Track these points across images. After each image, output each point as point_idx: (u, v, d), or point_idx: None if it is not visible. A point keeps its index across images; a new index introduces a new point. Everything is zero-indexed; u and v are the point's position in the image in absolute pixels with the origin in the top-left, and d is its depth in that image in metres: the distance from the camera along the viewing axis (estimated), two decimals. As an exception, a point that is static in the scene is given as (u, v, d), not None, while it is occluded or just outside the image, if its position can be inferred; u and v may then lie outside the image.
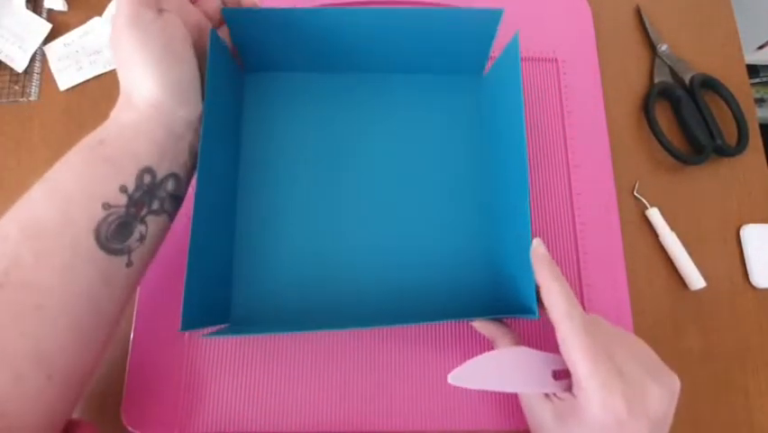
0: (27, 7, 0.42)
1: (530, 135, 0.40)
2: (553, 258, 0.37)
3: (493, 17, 0.34)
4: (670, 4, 0.46)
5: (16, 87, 0.41)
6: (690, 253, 0.38)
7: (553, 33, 0.42)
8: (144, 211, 0.28)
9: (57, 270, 0.24)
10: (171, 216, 0.30)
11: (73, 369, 0.25)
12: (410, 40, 0.36)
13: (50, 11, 0.43)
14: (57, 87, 0.41)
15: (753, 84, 0.89)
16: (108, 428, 0.33)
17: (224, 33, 0.34)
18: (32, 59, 0.41)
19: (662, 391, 0.26)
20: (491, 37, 0.35)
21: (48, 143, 0.39)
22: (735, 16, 0.46)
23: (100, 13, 0.43)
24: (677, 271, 0.39)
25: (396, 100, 0.39)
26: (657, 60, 0.44)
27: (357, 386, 0.34)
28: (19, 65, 0.41)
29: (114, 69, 0.41)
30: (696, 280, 0.38)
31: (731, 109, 0.42)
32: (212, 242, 0.32)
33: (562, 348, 0.27)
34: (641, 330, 0.36)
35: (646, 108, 0.42)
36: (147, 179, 0.27)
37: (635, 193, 0.40)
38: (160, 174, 0.28)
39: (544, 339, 0.35)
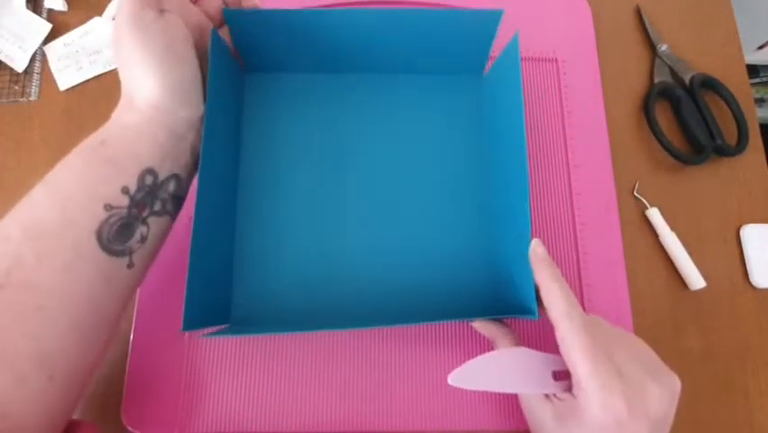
0: (27, 7, 0.42)
1: (530, 135, 0.40)
2: (553, 258, 0.37)
3: (493, 18, 0.34)
4: (670, 4, 0.46)
5: (16, 87, 0.41)
6: (690, 253, 0.38)
7: (553, 33, 0.42)
8: (146, 212, 0.28)
9: (58, 270, 0.24)
10: (173, 216, 0.30)
11: (74, 369, 0.25)
12: (410, 40, 0.36)
13: (50, 11, 0.43)
14: (57, 87, 0.41)
15: (753, 84, 0.89)
16: (109, 429, 0.33)
17: (224, 33, 0.34)
18: (32, 59, 0.41)
19: (662, 391, 0.26)
20: (491, 37, 0.35)
21: (48, 143, 0.39)
22: (735, 16, 0.46)
23: (100, 13, 0.43)
24: (677, 271, 0.39)
25: (396, 100, 0.39)
26: (657, 60, 0.44)
27: (357, 386, 0.34)
28: (19, 65, 0.41)
29: (114, 69, 0.41)
30: (696, 280, 0.38)
31: (731, 109, 0.42)
32: (213, 242, 0.32)
33: (562, 349, 0.27)
34: (641, 330, 0.36)
35: (646, 108, 0.42)
36: (149, 180, 0.27)
37: (635, 193, 0.40)
38: (162, 175, 0.28)
39: (543, 340, 0.35)
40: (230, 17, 0.32)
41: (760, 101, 0.96)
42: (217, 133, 0.32)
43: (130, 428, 0.32)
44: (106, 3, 0.43)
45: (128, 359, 0.34)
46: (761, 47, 0.78)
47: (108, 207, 0.26)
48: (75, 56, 0.41)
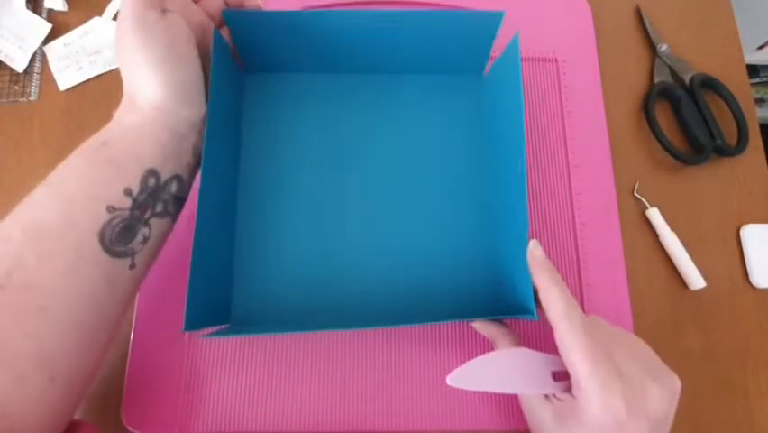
0: (27, 7, 0.42)
1: (530, 135, 0.40)
2: (553, 258, 0.37)
3: (494, 20, 0.34)
4: (670, 4, 0.46)
5: (16, 87, 0.41)
6: (690, 253, 0.38)
7: (553, 33, 0.42)
8: (148, 213, 0.28)
9: (60, 272, 0.24)
10: (174, 217, 0.30)
11: (76, 370, 0.25)
12: (411, 41, 0.36)
13: (50, 11, 0.43)
14: (57, 87, 0.41)
15: (753, 84, 0.89)
16: (109, 429, 0.33)
17: (224, 33, 0.34)
18: (32, 59, 0.41)
19: (662, 391, 0.26)
20: (492, 39, 0.35)
21: (48, 143, 0.39)
22: (735, 16, 0.46)
23: (100, 13, 0.43)
24: (677, 271, 0.39)
25: (396, 100, 0.39)
26: (657, 60, 0.44)
27: (357, 386, 0.34)
28: (19, 65, 0.41)
29: (114, 69, 0.41)
30: (696, 280, 0.38)
31: (731, 109, 0.42)
32: (214, 242, 0.32)
33: (561, 349, 0.27)
34: (641, 330, 0.36)
35: (646, 108, 0.42)
36: (151, 181, 0.27)
37: (635, 193, 0.40)
38: (164, 176, 0.28)
39: (543, 340, 0.35)
40: (229, 18, 0.32)
41: (760, 101, 0.96)
42: (219, 134, 0.32)
43: (130, 428, 0.32)
44: (106, 3, 0.43)
45: (128, 359, 0.34)
46: (761, 47, 0.78)
47: (111, 208, 0.26)
48: (75, 56, 0.41)
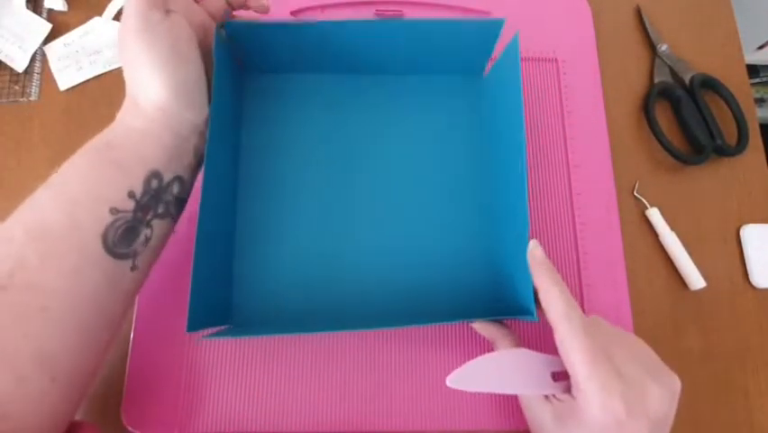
0: (27, 7, 0.42)
1: (530, 135, 0.40)
2: (553, 258, 0.37)
3: (494, 27, 0.34)
4: (670, 4, 0.46)
5: (16, 87, 0.41)
6: (690, 253, 0.38)
7: (553, 33, 0.42)
8: (150, 215, 0.28)
9: (63, 273, 0.24)
10: (175, 218, 0.30)
11: (77, 371, 0.25)
12: (410, 48, 0.36)
13: (50, 11, 0.43)
14: (57, 87, 0.41)
15: (753, 84, 0.89)
16: (109, 429, 0.33)
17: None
18: (32, 59, 0.41)
19: (662, 392, 0.26)
20: (492, 45, 0.36)
21: (48, 143, 0.39)
22: (735, 16, 0.46)
23: (100, 13, 0.43)
24: (677, 271, 0.39)
25: (396, 101, 0.39)
26: (657, 60, 0.44)
27: (357, 386, 0.34)
28: (19, 65, 0.41)
29: (114, 69, 0.41)
30: (696, 280, 0.38)
31: (731, 109, 0.42)
32: (215, 243, 0.32)
33: (561, 350, 0.27)
34: (641, 330, 0.36)
35: (646, 108, 0.42)
36: (154, 183, 0.27)
37: (635, 193, 0.40)
38: (167, 178, 0.28)
39: (543, 341, 0.35)
40: (230, 30, 0.32)
41: (760, 101, 0.96)
42: (221, 135, 0.32)
43: (130, 429, 0.32)
44: (106, 3, 0.43)
45: (128, 359, 0.34)
46: (761, 47, 0.78)
47: (114, 210, 0.26)
48: (75, 56, 0.41)
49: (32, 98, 0.40)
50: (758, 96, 0.96)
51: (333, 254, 0.36)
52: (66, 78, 0.41)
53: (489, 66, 0.38)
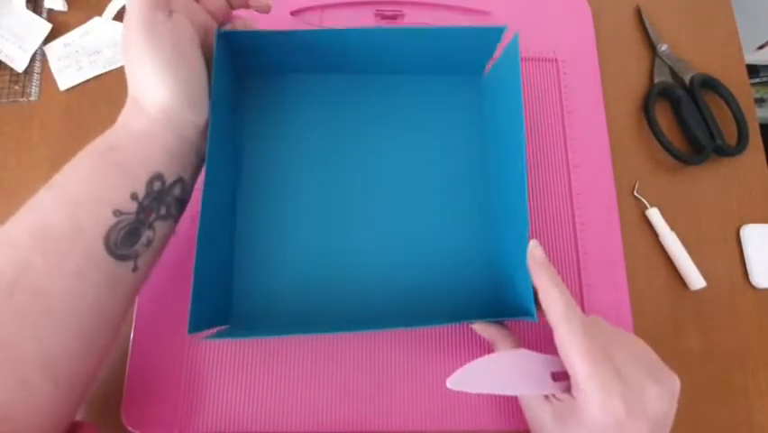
0: (27, 7, 0.42)
1: (530, 135, 0.40)
2: (553, 258, 0.37)
3: (495, 34, 0.34)
4: (670, 4, 0.46)
5: (16, 87, 0.41)
6: (690, 253, 0.38)
7: (553, 33, 0.42)
8: (152, 217, 0.28)
9: (67, 276, 0.24)
10: (176, 219, 0.30)
11: (78, 373, 0.25)
12: (411, 53, 0.36)
13: (50, 11, 0.43)
14: (57, 87, 0.41)
15: (753, 84, 0.89)
16: (109, 429, 0.33)
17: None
18: (32, 59, 0.41)
19: (661, 391, 0.26)
20: (493, 49, 0.35)
21: (48, 143, 0.39)
22: (735, 16, 0.46)
23: (100, 13, 0.42)
24: (677, 271, 0.39)
25: (396, 101, 0.39)
26: (657, 60, 0.44)
27: (357, 386, 0.34)
28: (19, 65, 0.41)
29: (114, 69, 0.41)
30: (696, 280, 0.38)
31: (731, 109, 0.42)
32: (216, 244, 0.32)
33: (561, 351, 0.27)
34: (641, 330, 0.36)
35: (646, 108, 0.42)
36: (157, 185, 0.27)
37: (635, 193, 0.40)
38: (169, 179, 0.28)
39: (544, 341, 0.35)
40: (228, 37, 0.32)
41: (760, 101, 0.96)
42: (221, 135, 0.32)
43: (130, 429, 0.32)
44: (106, 3, 0.43)
45: (128, 359, 0.34)
46: (761, 47, 0.78)
47: (117, 212, 0.26)
48: (75, 56, 0.41)
49: (32, 98, 0.40)
50: (758, 96, 0.96)
51: (333, 254, 0.36)
52: (66, 78, 0.41)
53: (489, 65, 0.38)
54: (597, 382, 0.25)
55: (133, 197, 0.26)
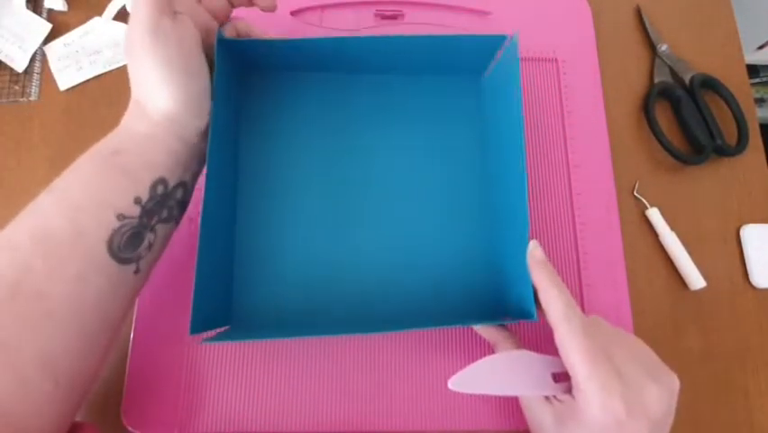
0: (27, 7, 0.42)
1: (530, 135, 0.40)
2: (553, 258, 0.37)
3: (495, 42, 0.34)
4: (670, 4, 0.46)
5: (16, 87, 0.41)
6: (690, 253, 0.38)
7: (553, 33, 0.42)
8: (155, 220, 0.28)
9: (68, 279, 0.24)
10: (177, 221, 0.30)
11: (78, 374, 0.25)
12: (411, 58, 0.36)
13: (50, 11, 0.43)
14: (57, 87, 0.41)
15: (753, 84, 0.89)
16: (109, 429, 0.33)
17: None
18: (32, 59, 0.41)
19: (661, 391, 0.26)
20: (492, 54, 0.35)
21: (48, 143, 0.39)
22: (735, 16, 0.46)
23: (100, 13, 0.42)
24: (677, 271, 0.39)
25: (396, 100, 0.39)
26: (657, 60, 0.44)
27: (357, 386, 0.34)
28: (19, 65, 0.41)
29: (114, 70, 0.41)
30: (696, 280, 0.38)
31: (731, 109, 0.42)
32: (217, 244, 0.32)
33: (561, 351, 0.27)
34: (641, 330, 0.36)
35: (646, 108, 0.42)
36: (160, 189, 0.27)
37: (635, 193, 0.40)
38: (172, 183, 0.28)
39: (544, 341, 0.35)
40: (229, 45, 0.32)
41: (760, 101, 0.96)
42: (222, 137, 0.32)
43: (130, 429, 0.32)
44: (106, 3, 0.43)
45: (128, 360, 0.34)
46: (761, 47, 0.78)
47: (121, 216, 0.26)
48: (75, 56, 0.41)
49: (32, 98, 0.40)
50: (758, 96, 0.96)
51: (334, 254, 0.35)
52: (66, 78, 0.41)
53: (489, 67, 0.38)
54: (597, 382, 0.25)
55: (137, 201, 0.26)
